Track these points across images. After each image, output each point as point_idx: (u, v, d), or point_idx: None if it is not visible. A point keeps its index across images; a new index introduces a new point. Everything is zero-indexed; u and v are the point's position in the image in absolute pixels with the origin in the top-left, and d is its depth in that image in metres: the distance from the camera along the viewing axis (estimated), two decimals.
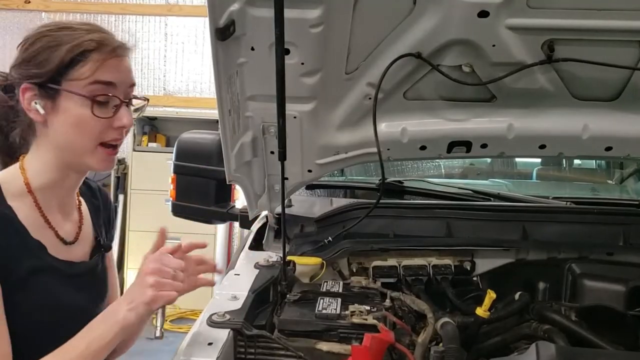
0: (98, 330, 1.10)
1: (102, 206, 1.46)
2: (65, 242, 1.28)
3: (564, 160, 2.99)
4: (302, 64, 1.49)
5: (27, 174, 1.22)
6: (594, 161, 3.10)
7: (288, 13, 1.27)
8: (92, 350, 1.09)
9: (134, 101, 1.28)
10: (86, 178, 1.35)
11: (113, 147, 1.23)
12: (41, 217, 1.23)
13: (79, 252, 1.33)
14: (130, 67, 1.25)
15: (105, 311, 1.14)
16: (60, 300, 1.23)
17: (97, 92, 1.18)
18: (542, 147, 1.79)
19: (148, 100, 1.32)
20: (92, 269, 1.35)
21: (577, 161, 3.10)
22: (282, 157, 1.48)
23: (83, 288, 1.30)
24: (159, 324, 1.18)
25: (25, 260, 1.15)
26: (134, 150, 5.36)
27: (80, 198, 1.38)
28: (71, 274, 1.27)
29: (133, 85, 1.26)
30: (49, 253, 1.22)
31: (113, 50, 1.20)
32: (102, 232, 1.42)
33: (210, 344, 1.16)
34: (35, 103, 1.18)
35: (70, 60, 1.16)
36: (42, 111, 1.18)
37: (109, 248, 1.44)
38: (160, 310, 1.14)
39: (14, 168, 1.24)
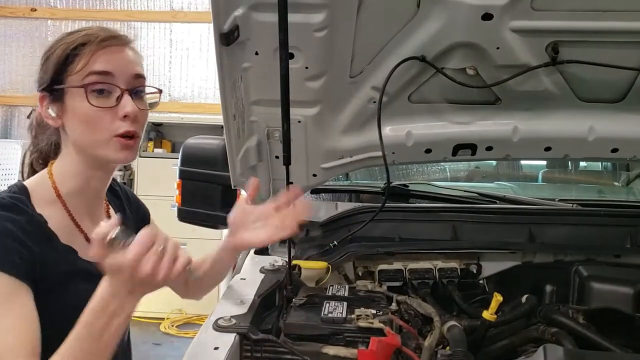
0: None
1: (126, 202, 1.47)
2: None
3: (569, 162, 2.98)
4: (307, 68, 1.49)
5: (55, 179, 1.24)
6: (599, 163, 3.09)
7: (292, 17, 1.27)
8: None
9: (148, 96, 1.28)
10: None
11: (128, 137, 1.23)
12: (72, 222, 1.24)
13: None
14: (132, 58, 1.24)
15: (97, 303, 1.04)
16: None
17: (92, 81, 1.18)
18: (548, 149, 1.79)
19: (161, 90, 1.32)
20: None
21: (582, 163, 3.09)
22: (287, 161, 1.47)
23: None
24: None
25: (58, 268, 1.16)
26: (140, 156, 5.38)
27: (107, 201, 1.40)
28: (102, 274, 1.28)
29: (139, 76, 1.24)
30: (80, 257, 1.23)
31: (104, 40, 1.20)
32: (129, 228, 1.43)
33: (216, 348, 1.16)
34: (49, 109, 1.21)
35: (65, 57, 1.19)
36: (53, 114, 1.21)
37: None
38: None
39: (42, 174, 1.26)
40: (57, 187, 1.23)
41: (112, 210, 1.40)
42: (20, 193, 1.19)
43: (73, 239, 1.23)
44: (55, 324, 1.09)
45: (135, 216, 1.49)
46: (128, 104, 1.20)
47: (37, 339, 1.07)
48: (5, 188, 1.22)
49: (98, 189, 1.31)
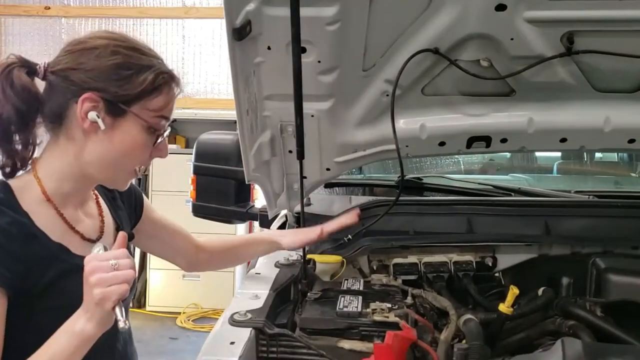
0: (59, 343, 1.06)
1: (117, 192, 1.44)
2: (92, 241, 1.27)
3: (585, 153, 2.95)
4: (319, 62, 1.48)
5: (44, 182, 1.20)
6: (615, 154, 3.06)
7: (304, 11, 1.26)
8: None
9: None
10: None
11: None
12: (63, 222, 1.22)
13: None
14: None
15: (67, 322, 1.08)
16: None
17: (159, 124, 1.22)
18: (563, 140, 1.77)
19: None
20: None
21: (598, 154, 3.06)
22: (300, 155, 1.48)
23: None
24: (121, 317, 1.08)
25: (50, 267, 1.14)
26: None
27: (95, 191, 1.37)
28: None
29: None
30: (74, 253, 1.21)
31: (177, 86, 1.25)
32: (122, 220, 1.41)
33: (232, 343, 1.17)
34: (97, 116, 1.16)
35: (152, 89, 1.19)
36: (99, 122, 1.16)
37: (132, 236, 1.43)
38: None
39: (27, 176, 1.22)
40: (46, 190, 1.20)
41: (101, 200, 1.37)
42: (2, 191, 1.15)
43: (65, 236, 1.21)
44: (55, 323, 1.09)
45: (127, 199, 1.47)
46: (165, 149, 1.28)
47: None
48: None
49: (89, 189, 1.31)
